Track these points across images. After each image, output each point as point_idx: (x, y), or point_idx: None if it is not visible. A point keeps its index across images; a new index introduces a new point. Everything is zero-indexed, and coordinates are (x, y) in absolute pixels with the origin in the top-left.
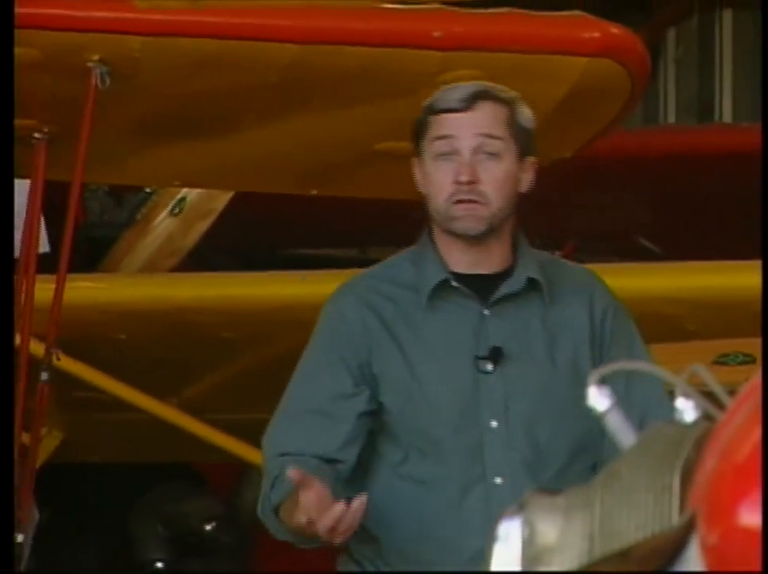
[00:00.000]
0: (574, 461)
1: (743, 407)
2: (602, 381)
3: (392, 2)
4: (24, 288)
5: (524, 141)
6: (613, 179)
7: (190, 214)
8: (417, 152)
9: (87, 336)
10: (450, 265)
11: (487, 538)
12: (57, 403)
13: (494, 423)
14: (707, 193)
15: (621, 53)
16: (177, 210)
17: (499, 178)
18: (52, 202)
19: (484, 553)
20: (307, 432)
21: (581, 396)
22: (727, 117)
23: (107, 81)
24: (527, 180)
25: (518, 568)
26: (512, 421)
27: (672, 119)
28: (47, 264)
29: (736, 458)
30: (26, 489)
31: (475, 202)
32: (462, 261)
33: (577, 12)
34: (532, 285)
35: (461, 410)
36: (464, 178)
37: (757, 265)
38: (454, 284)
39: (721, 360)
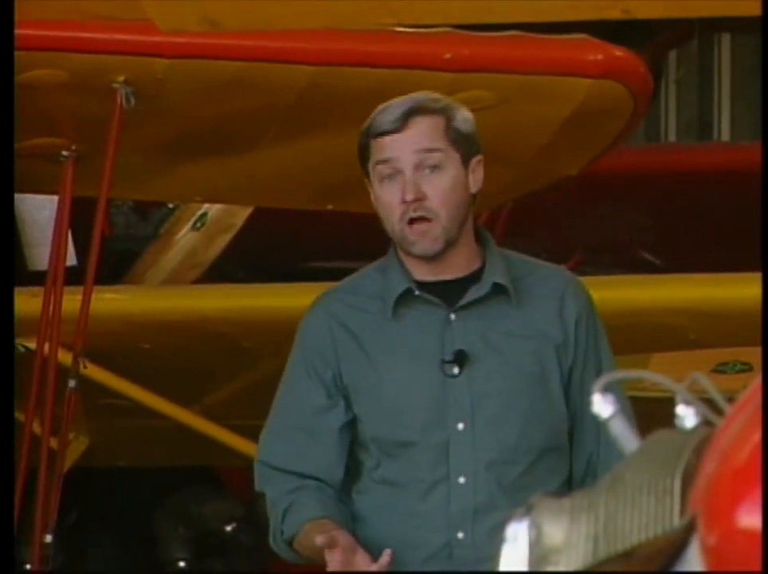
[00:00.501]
0: (540, 460)
1: (741, 414)
2: (606, 389)
3: (404, 26)
4: (52, 299)
5: (465, 145)
6: (616, 195)
7: (211, 229)
8: (366, 175)
9: (112, 345)
10: (414, 275)
11: (448, 535)
12: (84, 410)
13: (460, 425)
14: (706, 208)
15: (624, 75)
16: (199, 225)
17: (444, 190)
18: (79, 217)
19: (445, 550)
20: (295, 449)
21: (548, 397)
22: (725, 136)
23: (132, 101)
24: (477, 180)
25: (525, 568)
26: (478, 423)
27: (672, 137)
28: (74, 276)
29: (734, 462)
30: (54, 491)
31: (425, 219)
32: (426, 271)
33: (581, 35)
34: (499, 288)
35: (428, 413)
36: (409, 196)
37: (754, 276)
38: (417, 293)
39: (720, 368)
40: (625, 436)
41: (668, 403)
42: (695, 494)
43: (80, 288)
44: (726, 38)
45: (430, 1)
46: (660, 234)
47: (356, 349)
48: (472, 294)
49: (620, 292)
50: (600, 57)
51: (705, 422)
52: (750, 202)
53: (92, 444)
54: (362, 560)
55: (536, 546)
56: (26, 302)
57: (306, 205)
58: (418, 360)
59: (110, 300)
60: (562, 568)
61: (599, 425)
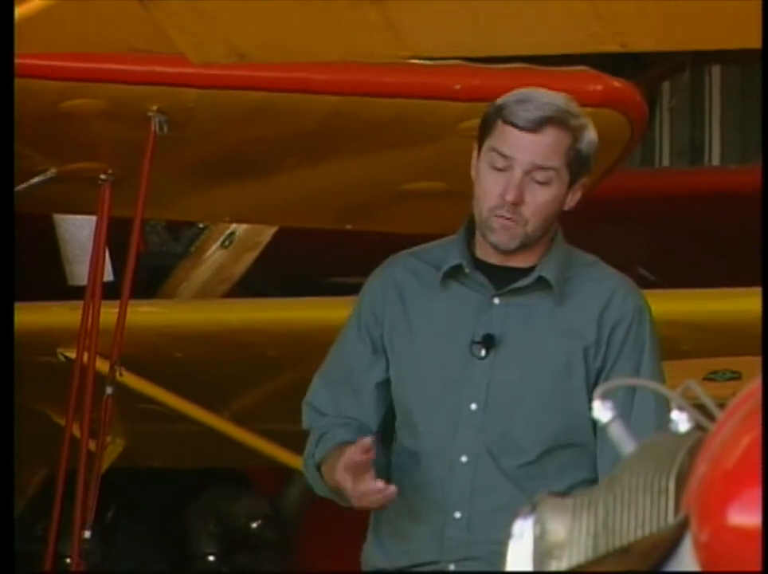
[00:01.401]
0: (553, 453)
1: (732, 419)
2: (605, 395)
3: (418, 59)
4: (91, 312)
5: (579, 167)
6: (614, 215)
7: (238, 246)
8: (479, 148)
9: (147, 354)
10: (479, 254)
11: (445, 514)
12: (120, 414)
13: (473, 406)
14: (698, 227)
15: (621, 104)
16: (227, 243)
17: (542, 204)
18: (116, 236)
19: (441, 529)
20: (337, 397)
21: (568, 395)
22: (716, 160)
23: (165, 129)
24: (573, 200)
25: (530, 562)
26: (490, 407)
27: (666, 162)
28: (111, 290)
29: (725, 464)
30: (92, 490)
31: (512, 219)
32: (493, 255)
33: (582, 67)
34: (545, 282)
35: (447, 388)
36: (509, 197)
37: (743, 291)
38: (467, 270)
39: (711, 377)
40: (623, 440)
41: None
42: (688, 494)
43: (117, 302)
44: (716, 70)
45: (442, 36)
46: (655, 252)
47: (401, 313)
48: (518, 283)
49: None
50: (599, 87)
51: (698, 427)
52: (739, 222)
53: (128, 446)
54: (368, 479)
55: (540, 542)
56: (67, 315)
57: (326, 224)
58: (452, 336)
59: (144, 313)
60: (564, 562)
61: (631, 422)
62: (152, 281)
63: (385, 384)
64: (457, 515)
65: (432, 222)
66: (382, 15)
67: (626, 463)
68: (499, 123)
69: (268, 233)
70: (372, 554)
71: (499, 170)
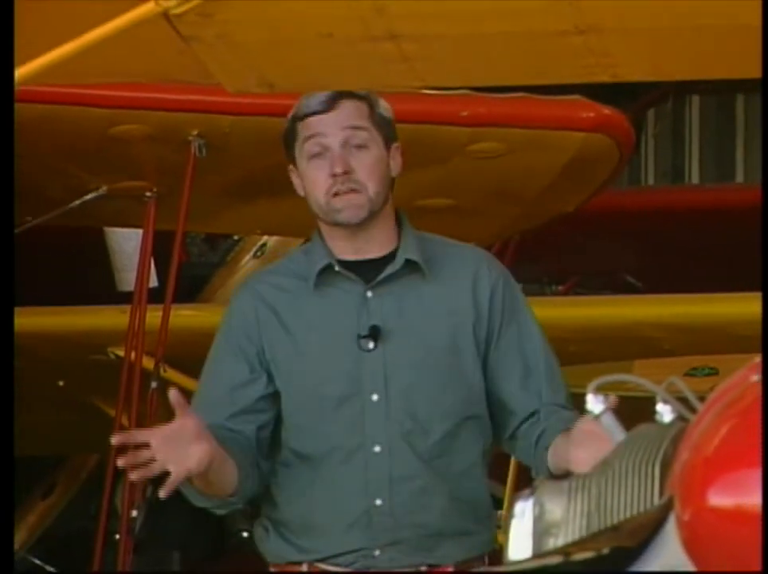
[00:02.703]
0: (457, 428)
1: (711, 411)
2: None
3: (428, 88)
4: (138, 315)
5: (387, 130)
6: (604, 229)
7: (269, 256)
8: (291, 159)
9: (187, 353)
10: (336, 254)
11: (367, 503)
12: (164, 406)
13: (375, 397)
14: (679, 240)
15: (611, 130)
16: (259, 253)
17: (369, 165)
18: (160, 247)
19: (365, 517)
20: (215, 415)
21: (460, 370)
22: (695, 180)
23: (204, 151)
24: (396, 165)
25: (530, 539)
26: (391, 394)
27: (651, 181)
28: (156, 295)
29: (705, 452)
30: None
31: (352, 190)
32: (347, 248)
33: (576, 96)
34: (413, 265)
35: (345, 385)
36: (338, 169)
37: (719, 296)
38: (337, 269)
39: (691, 373)
40: (614, 429)
41: (649, 402)
42: (672, 478)
43: (161, 306)
44: (695, 100)
45: (450, 68)
46: (640, 261)
47: (278, 327)
48: (387, 271)
49: (608, 310)
50: (591, 114)
51: (680, 418)
52: (715, 235)
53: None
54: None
55: (539, 521)
56: (116, 317)
57: None
58: (336, 335)
59: (185, 316)
60: (561, 540)
61: (539, 367)
62: (192, 287)
63: (266, 398)
64: (378, 502)
65: (441, 235)
66: (398, 49)
67: (617, 450)
68: (298, 125)
69: (295, 244)
70: (280, 548)
71: (318, 155)
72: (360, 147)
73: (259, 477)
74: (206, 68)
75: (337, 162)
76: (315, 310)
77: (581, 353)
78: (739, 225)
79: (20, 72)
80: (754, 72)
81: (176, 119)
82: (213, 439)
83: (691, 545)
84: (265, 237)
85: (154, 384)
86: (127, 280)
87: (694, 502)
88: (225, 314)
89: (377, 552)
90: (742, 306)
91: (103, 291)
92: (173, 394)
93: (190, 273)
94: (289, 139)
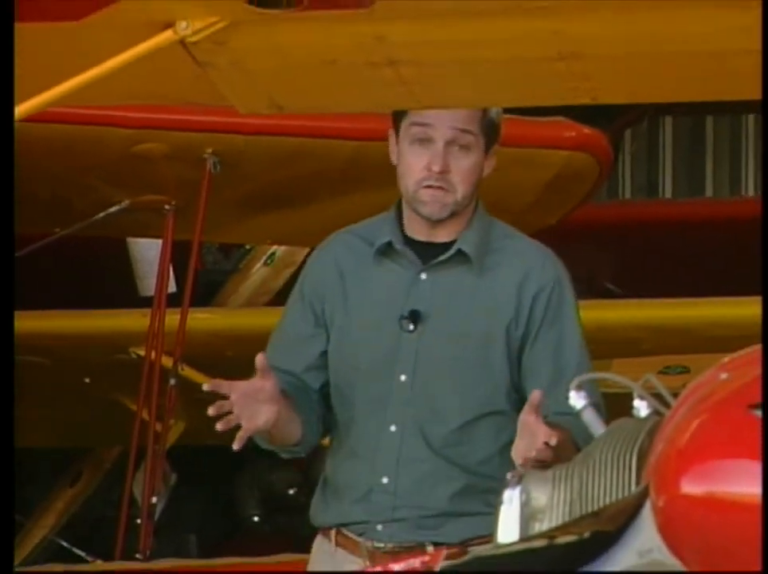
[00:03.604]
0: (476, 421)
1: (683, 406)
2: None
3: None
4: (157, 317)
5: (492, 134)
6: (585, 239)
7: (278, 264)
8: (396, 131)
9: (203, 353)
10: (408, 232)
11: (373, 479)
12: (182, 402)
13: (403, 377)
14: (654, 248)
15: (591, 148)
16: (269, 262)
17: (467, 170)
18: (178, 255)
19: (370, 492)
20: (284, 363)
21: (489, 365)
22: (668, 194)
23: (219, 168)
24: (490, 166)
25: (518, 524)
26: (418, 378)
27: (627, 195)
28: (174, 300)
29: (678, 444)
30: (159, 464)
31: (443, 188)
32: (421, 231)
33: (559, 117)
34: (465, 256)
35: (379, 360)
36: (436, 167)
37: (693, 300)
38: (397, 247)
39: (665, 371)
40: (595, 422)
41: (627, 398)
42: (647, 468)
43: (179, 310)
44: (669, 120)
45: (445, 91)
46: (619, 269)
47: (340, 290)
48: (439, 257)
49: (590, 313)
50: (573, 134)
51: (655, 413)
52: (688, 244)
53: (187, 428)
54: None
55: (526, 507)
56: (138, 320)
57: None
58: (385, 311)
59: (201, 319)
60: (546, 524)
61: (568, 375)
62: (207, 292)
63: (325, 354)
64: (385, 480)
65: None
66: (396, 74)
67: (596, 442)
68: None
69: (302, 253)
70: (317, 511)
71: (420, 143)
72: (462, 148)
73: (322, 430)
74: (220, 91)
75: (437, 159)
76: (373, 281)
77: None
78: (709, 235)
79: (49, 96)
80: (724, 94)
81: (192, 139)
82: (282, 400)
83: (665, 529)
84: (275, 247)
85: (172, 381)
86: (148, 285)
87: (668, 490)
88: (305, 266)
89: (379, 527)
90: (711, 309)
91: (126, 296)
92: (259, 358)
93: (206, 279)
94: (400, 113)
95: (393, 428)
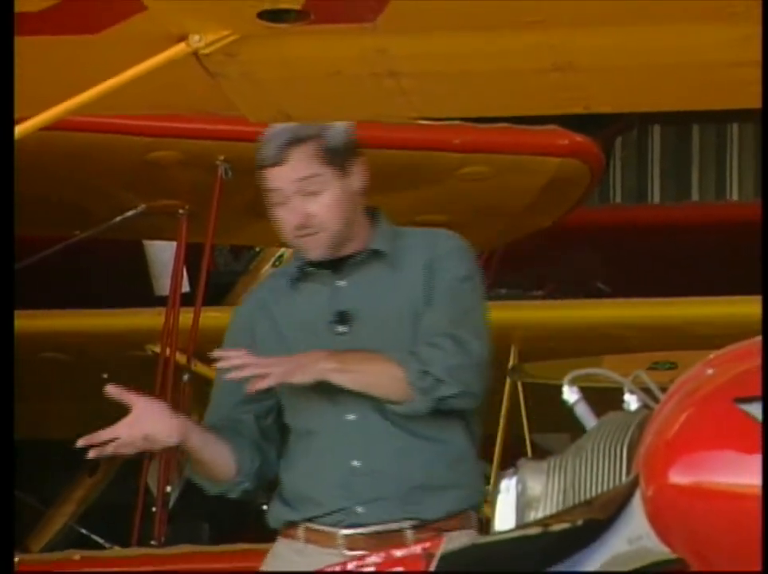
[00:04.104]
0: None
1: (671, 400)
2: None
3: (424, 119)
4: (172, 316)
5: (341, 158)
6: (578, 241)
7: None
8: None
9: (215, 349)
10: (311, 256)
11: (346, 465)
12: (195, 396)
13: None
14: (643, 251)
15: (583, 155)
16: (277, 263)
17: (328, 206)
18: (191, 257)
19: (345, 478)
20: (217, 406)
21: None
22: (656, 200)
23: (230, 174)
24: (359, 178)
25: (514, 512)
26: None
27: (618, 200)
28: (187, 299)
29: (666, 436)
30: (173, 455)
31: (313, 234)
32: (321, 255)
33: (553, 126)
34: (379, 255)
35: None
36: (296, 221)
37: (679, 300)
38: (308, 270)
39: (653, 367)
40: (587, 416)
41: (618, 392)
42: (637, 459)
43: (192, 308)
44: (657, 129)
45: (444, 101)
46: (609, 270)
47: (267, 320)
48: (353, 260)
49: (582, 312)
50: (566, 142)
51: (645, 406)
52: (675, 246)
53: (201, 421)
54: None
55: (522, 496)
56: (153, 318)
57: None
58: (312, 322)
59: (213, 317)
60: (540, 513)
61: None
62: (219, 292)
63: (263, 389)
64: (356, 463)
65: None
66: (397, 85)
67: (589, 435)
68: (263, 172)
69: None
70: (279, 512)
71: (279, 204)
72: (311, 194)
73: (264, 459)
74: (231, 101)
75: (294, 216)
76: (296, 303)
77: (558, 349)
78: (695, 238)
79: (68, 105)
80: (709, 104)
81: (205, 147)
82: (201, 436)
83: (654, 517)
84: (282, 249)
85: (186, 377)
86: (163, 285)
87: (656, 480)
88: (230, 319)
89: (359, 509)
90: (698, 308)
91: (142, 295)
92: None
93: (217, 280)
94: (262, 179)
95: (351, 417)
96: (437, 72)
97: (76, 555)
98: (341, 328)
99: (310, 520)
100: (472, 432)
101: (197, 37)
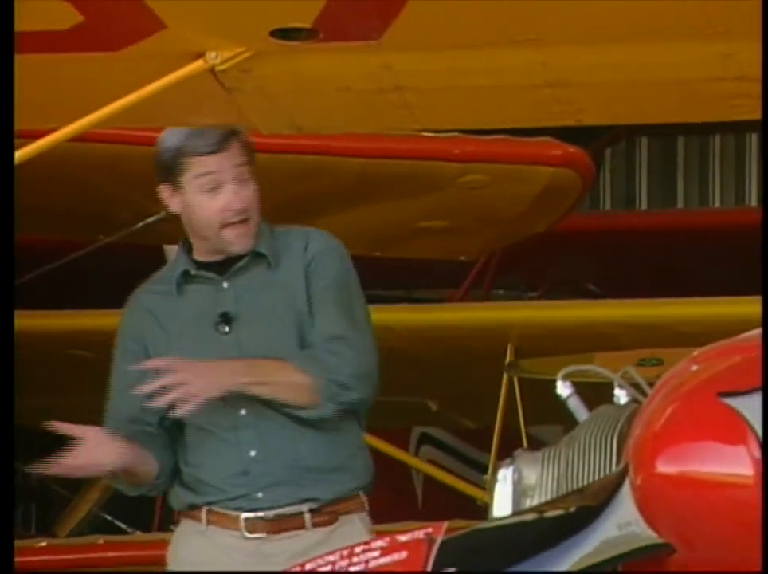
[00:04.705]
0: None
1: (658, 395)
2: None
3: (426, 131)
4: None
5: (252, 155)
6: (570, 245)
7: None
8: (170, 183)
9: None
10: (200, 258)
11: (244, 454)
12: None
13: None
14: (632, 254)
15: (575, 165)
16: None
17: (253, 196)
18: None
19: (244, 466)
20: (118, 411)
21: (301, 338)
22: (644, 206)
23: None
24: (255, 181)
25: (511, 499)
26: None
27: (608, 207)
28: None
29: (653, 428)
30: None
31: (243, 221)
32: (211, 256)
33: (547, 137)
34: (261, 257)
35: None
36: (237, 205)
37: (665, 300)
38: (193, 272)
39: (641, 363)
40: (579, 409)
41: (608, 387)
42: (626, 450)
43: None
44: (644, 141)
45: (444, 114)
46: (600, 272)
47: (157, 326)
48: (238, 264)
49: (574, 312)
50: (559, 152)
51: (633, 400)
52: (661, 250)
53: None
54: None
55: (518, 485)
56: None
57: (362, 252)
58: (199, 324)
59: None
60: (536, 500)
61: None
62: None
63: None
64: (253, 453)
65: (437, 250)
66: (401, 99)
67: (581, 427)
68: (187, 160)
69: None
70: (181, 495)
71: (210, 191)
72: (246, 180)
73: (174, 455)
74: (245, 114)
75: (234, 198)
76: (182, 306)
77: (551, 347)
78: (680, 242)
79: (92, 118)
80: (693, 117)
81: None
82: (125, 449)
83: (642, 505)
84: None
85: None
86: None
87: (645, 469)
88: (119, 326)
89: (259, 495)
90: (683, 308)
91: None
92: (53, 425)
93: None
94: (174, 169)
95: (243, 412)
96: (439, 86)
97: (100, 539)
98: (225, 329)
99: (211, 504)
100: (360, 419)
101: (213, 54)
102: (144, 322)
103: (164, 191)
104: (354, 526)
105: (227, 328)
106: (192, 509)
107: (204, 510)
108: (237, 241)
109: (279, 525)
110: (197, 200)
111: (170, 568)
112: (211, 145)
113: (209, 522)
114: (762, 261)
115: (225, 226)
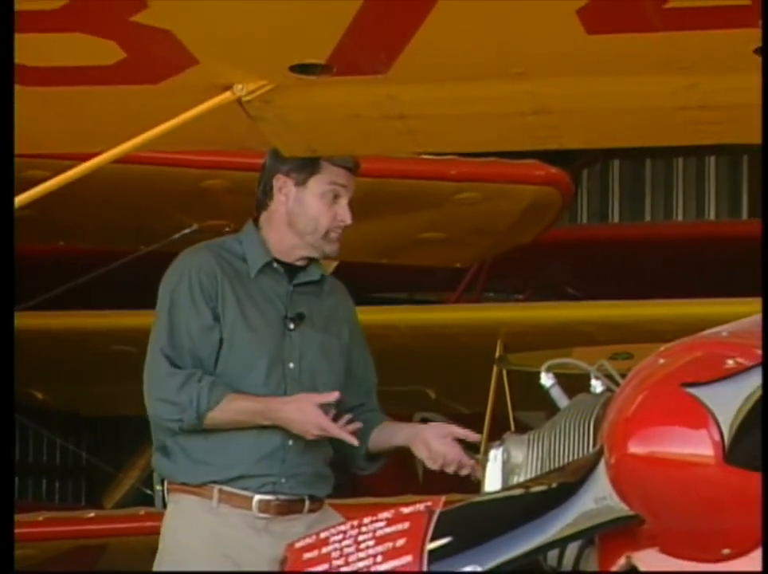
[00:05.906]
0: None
1: (629, 385)
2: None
3: (425, 154)
4: None
5: None
6: (552, 254)
7: None
8: (299, 183)
9: None
10: (273, 252)
11: (282, 442)
12: None
13: (291, 364)
14: (606, 262)
15: (556, 184)
16: None
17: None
18: None
19: (279, 452)
20: (190, 357)
21: (346, 359)
22: (616, 219)
23: None
24: None
25: (500, 477)
26: (303, 365)
27: (584, 220)
28: None
29: (625, 413)
30: None
31: (341, 235)
32: (286, 255)
33: (532, 159)
34: (322, 280)
35: (271, 352)
36: (347, 220)
37: (637, 302)
38: (275, 266)
39: (614, 357)
40: (560, 397)
41: (585, 378)
42: (602, 433)
43: None
44: (617, 162)
45: (443, 138)
46: (578, 278)
47: (230, 291)
48: (305, 277)
49: (555, 312)
50: (542, 172)
51: (608, 390)
52: (632, 258)
53: None
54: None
55: (506, 464)
56: None
57: (370, 259)
58: (269, 312)
59: None
60: (522, 477)
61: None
62: None
63: (221, 344)
64: (291, 443)
65: (436, 258)
66: (405, 125)
67: (562, 413)
68: (327, 165)
69: (333, 264)
70: (187, 471)
71: (333, 198)
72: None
73: None
74: (267, 139)
75: (348, 215)
76: (255, 290)
77: (535, 342)
78: (648, 251)
79: (134, 143)
80: (660, 141)
81: (247, 176)
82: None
83: (615, 481)
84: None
85: None
86: None
87: (618, 450)
88: (178, 272)
89: (283, 480)
90: (651, 309)
91: None
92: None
93: None
94: (308, 167)
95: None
96: (438, 114)
97: (141, 511)
98: (291, 325)
99: (226, 482)
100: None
101: (240, 87)
102: (218, 284)
103: (282, 182)
104: (330, 513)
105: (293, 326)
106: (200, 486)
107: (216, 488)
108: (332, 247)
109: (287, 508)
110: (315, 202)
111: (174, 541)
112: (351, 163)
113: (220, 500)
114: (762, 261)
115: (330, 231)
